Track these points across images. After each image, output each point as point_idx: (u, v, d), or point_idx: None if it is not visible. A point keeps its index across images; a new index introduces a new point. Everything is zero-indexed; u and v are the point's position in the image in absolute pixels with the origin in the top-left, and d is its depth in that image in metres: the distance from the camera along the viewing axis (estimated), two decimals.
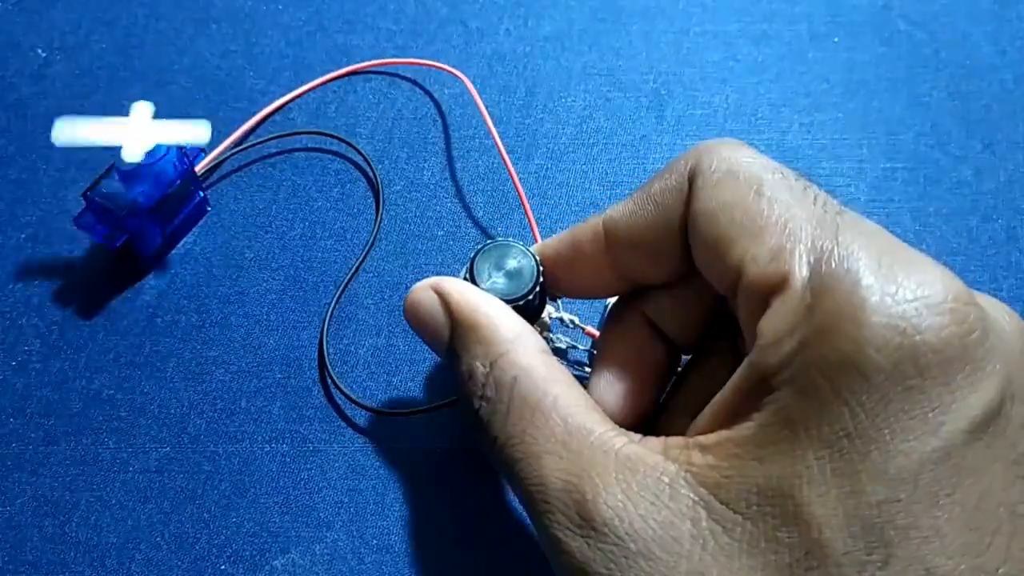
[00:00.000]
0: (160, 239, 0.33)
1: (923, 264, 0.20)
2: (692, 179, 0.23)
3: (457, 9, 0.40)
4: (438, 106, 0.36)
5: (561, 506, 0.21)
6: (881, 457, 0.18)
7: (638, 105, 0.38)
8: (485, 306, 0.25)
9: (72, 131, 0.31)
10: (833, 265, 0.19)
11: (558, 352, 0.31)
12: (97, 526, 0.29)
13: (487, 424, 0.23)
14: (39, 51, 0.38)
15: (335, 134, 0.36)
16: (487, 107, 0.36)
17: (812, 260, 0.20)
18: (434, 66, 0.37)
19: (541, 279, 0.27)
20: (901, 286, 0.19)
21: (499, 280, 0.27)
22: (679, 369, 0.27)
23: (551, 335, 0.31)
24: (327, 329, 0.32)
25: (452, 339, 0.25)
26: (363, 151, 0.36)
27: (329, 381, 0.31)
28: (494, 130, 0.35)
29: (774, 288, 0.20)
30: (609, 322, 0.28)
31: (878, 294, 0.19)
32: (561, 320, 0.31)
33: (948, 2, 0.41)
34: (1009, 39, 0.40)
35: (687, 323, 0.26)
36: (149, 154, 0.31)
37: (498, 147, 0.34)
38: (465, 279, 0.27)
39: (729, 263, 0.21)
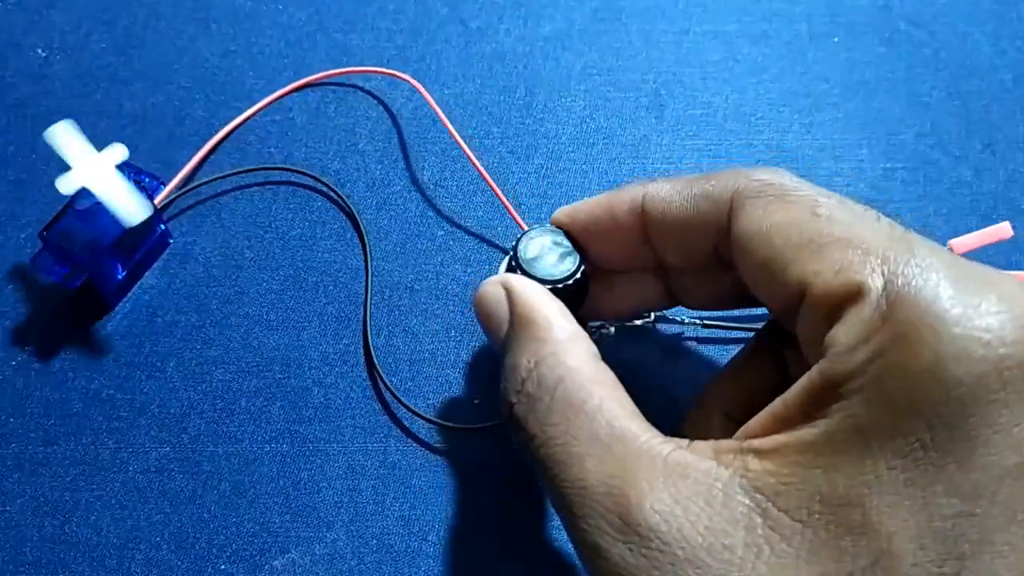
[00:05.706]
0: (121, 276, 0.32)
1: (1000, 278, 0.19)
2: (736, 199, 0.23)
3: (457, 9, 0.40)
4: (438, 106, 0.36)
5: (602, 510, 0.20)
6: (959, 470, 0.18)
7: (638, 105, 0.38)
8: (544, 306, 0.25)
9: (61, 137, 0.30)
10: (911, 277, 0.19)
11: (605, 337, 0.31)
12: (97, 526, 0.29)
13: (523, 421, 0.23)
14: (39, 51, 0.38)
15: (305, 170, 0.36)
16: (487, 107, 0.35)
17: (886, 271, 0.19)
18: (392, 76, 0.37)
19: (584, 264, 0.27)
20: (984, 299, 0.19)
21: (542, 264, 0.27)
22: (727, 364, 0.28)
23: (602, 330, 0.31)
24: (370, 330, 0.32)
25: (507, 333, 0.25)
26: (332, 185, 0.36)
27: (388, 396, 0.31)
28: (454, 132, 0.35)
29: (844, 300, 0.20)
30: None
31: (960, 306, 0.18)
32: None
33: (948, 2, 0.41)
34: (1009, 39, 0.40)
35: (705, 297, 0.27)
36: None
37: (459, 144, 0.34)
38: (510, 262, 0.28)
39: (788, 281, 0.21)
